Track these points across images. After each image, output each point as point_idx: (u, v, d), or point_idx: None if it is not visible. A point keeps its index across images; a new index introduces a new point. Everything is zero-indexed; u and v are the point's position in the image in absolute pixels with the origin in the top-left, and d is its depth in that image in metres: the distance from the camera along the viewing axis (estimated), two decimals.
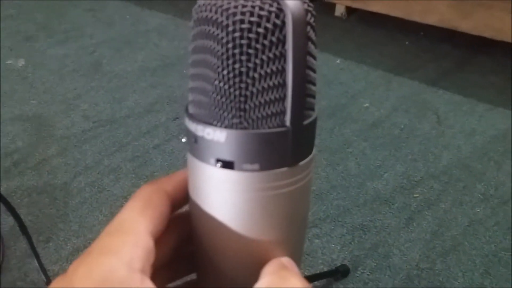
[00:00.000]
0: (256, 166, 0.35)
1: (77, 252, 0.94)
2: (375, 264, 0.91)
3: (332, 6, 1.96)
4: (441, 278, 0.88)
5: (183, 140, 0.37)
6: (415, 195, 1.07)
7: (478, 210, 1.03)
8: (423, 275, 0.89)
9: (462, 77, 1.54)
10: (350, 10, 1.95)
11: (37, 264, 0.83)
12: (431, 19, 1.67)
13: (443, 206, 1.04)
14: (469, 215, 1.02)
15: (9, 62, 1.62)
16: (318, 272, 0.87)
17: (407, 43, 1.76)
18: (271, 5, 0.32)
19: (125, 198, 1.07)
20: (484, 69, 1.58)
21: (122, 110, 1.38)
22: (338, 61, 1.64)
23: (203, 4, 0.37)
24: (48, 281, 0.82)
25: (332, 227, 0.99)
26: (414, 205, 1.04)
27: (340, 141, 1.25)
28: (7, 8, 2.01)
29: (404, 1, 1.70)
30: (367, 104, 1.40)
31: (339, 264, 0.90)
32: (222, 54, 0.33)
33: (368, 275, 0.89)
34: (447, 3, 1.61)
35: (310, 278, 0.85)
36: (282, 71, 0.33)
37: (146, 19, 1.95)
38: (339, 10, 1.97)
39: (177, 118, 1.34)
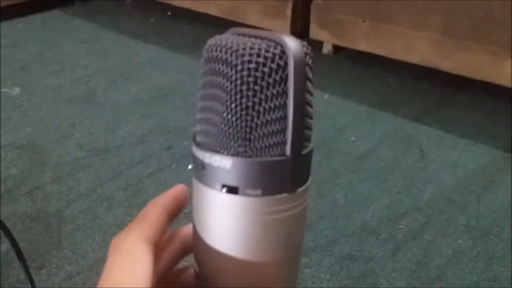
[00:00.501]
0: (258, 191, 0.39)
1: (69, 279, 0.95)
2: None
3: (320, 44, 2.05)
4: None
5: (189, 167, 0.40)
6: (400, 226, 1.11)
7: (461, 242, 1.08)
8: None
9: (443, 113, 1.61)
10: (336, 48, 2.04)
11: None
12: (414, 58, 1.75)
13: (427, 237, 1.08)
14: (452, 246, 1.06)
15: (4, 90, 1.65)
16: None
17: (391, 80, 1.84)
18: (275, 48, 0.37)
19: (118, 226, 1.08)
20: (465, 106, 1.66)
21: (115, 139, 1.41)
22: (325, 96, 1.70)
23: (214, 45, 0.43)
24: None
25: (321, 257, 1.02)
26: (399, 235, 1.08)
27: (328, 173, 1.29)
28: (3, 37, 2.05)
29: (388, 40, 1.79)
30: (353, 138, 1.45)
31: None
32: (231, 89, 0.38)
33: None
34: (429, 43, 1.69)
35: None
36: (284, 106, 0.38)
37: (139, 52, 2.01)
38: (327, 48, 2.05)
39: (170, 147, 1.37)
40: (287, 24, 2.02)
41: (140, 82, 1.75)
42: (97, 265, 0.98)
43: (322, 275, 0.97)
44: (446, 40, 1.66)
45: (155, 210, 0.30)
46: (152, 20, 2.36)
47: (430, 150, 1.41)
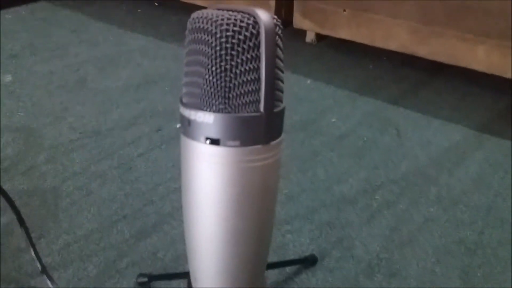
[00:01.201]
0: (237, 142, 0.47)
1: (68, 246, 1.01)
2: (340, 254, 1.02)
3: (303, 33, 2.12)
4: (398, 266, 1.00)
5: (178, 126, 0.45)
6: (376, 197, 1.19)
7: (432, 210, 1.16)
8: (382, 264, 1.00)
9: (420, 96, 1.70)
10: (319, 37, 2.11)
11: (31, 255, 0.90)
12: (392, 45, 1.84)
13: (401, 206, 1.16)
14: (424, 214, 1.15)
15: None
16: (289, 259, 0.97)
17: (371, 66, 1.92)
18: (249, 19, 0.46)
19: (112, 200, 1.15)
20: (440, 90, 1.74)
21: (107, 122, 1.47)
22: (308, 82, 1.78)
23: (197, 17, 0.51)
24: (43, 268, 0.90)
25: (302, 224, 1.09)
26: (375, 205, 1.16)
27: (310, 151, 1.37)
28: None
29: (368, 28, 1.87)
30: (334, 119, 1.53)
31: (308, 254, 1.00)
32: (212, 54, 0.46)
33: (333, 264, 0.99)
34: (406, 31, 1.78)
35: (281, 264, 0.95)
36: (258, 69, 0.46)
37: (128, 41, 2.06)
38: (310, 37, 2.13)
39: (159, 129, 1.44)
40: (271, 13, 2.09)
41: (129, 69, 1.81)
42: (93, 234, 1.04)
43: (303, 239, 1.05)
44: (423, 27, 1.74)
45: None
46: (139, 10, 2.41)
47: (406, 130, 1.49)
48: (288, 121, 1.55)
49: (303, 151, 1.37)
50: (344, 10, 1.91)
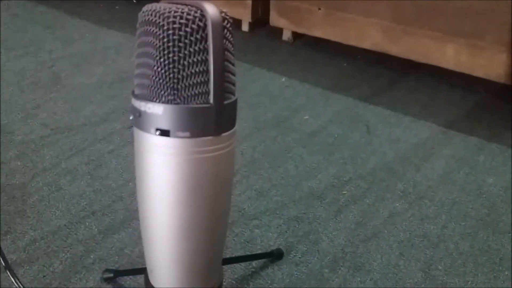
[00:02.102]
0: (187, 133, 0.48)
1: (34, 243, 1.01)
2: (306, 248, 1.03)
3: (280, 31, 2.14)
4: (362, 260, 1.02)
5: (131, 117, 0.46)
6: (343, 192, 1.21)
7: (397, 205, 1.19)
8: (347, 257, 1.02)
9: (391, 94, 1.73)
10: (296, 35, 2.13)
11: None
12: (366, 44, 1.86)
13: (367, 201, 1.19)
14: (390, 208, 1.17)
15: None
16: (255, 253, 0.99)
17: (345, 64, 1.94)
18: (196, 12, 0.47)
19: (81, 196, 1.15)
20: (411, 88, 1.78)
21: (79, 119, 1.46)
22: (283, 80, 1.79)
23: (146, 10, 0.52)
24: (7, 265, 0.90)
25: (271, 219, 1.11)
26: (342, 200, 1.18)
27: (282, 148, 1.39)
28: None
29: (341, 27, 1.90)
30: (307, 117, 1.55)
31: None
32: (160, 46, 0.47)
33: (299, 257, 1.01)
34: (379, 30, 1.81)
35: (248, 258, 0.96)
36: (206, 61, 0.47)
37: (104, 38, 2.05)
38: (286, 35, 2.14)
39: (131, 126, 1.44)
40: (248, 11, 2.11)
41: (104, 66, 1.81)
42: (61, 230, 1.04)
43: (271, 234, 1.07)
44: (395, 26, 1.77)
45: None
46: (117, 7, 2.40)
47: (376, 127, 1.52)
48: (261, 118, 1.56)
49: (275, 147, 1.39)
50: (319, 9, 1.93)
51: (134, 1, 2.47)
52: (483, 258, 1.05)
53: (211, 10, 0.44)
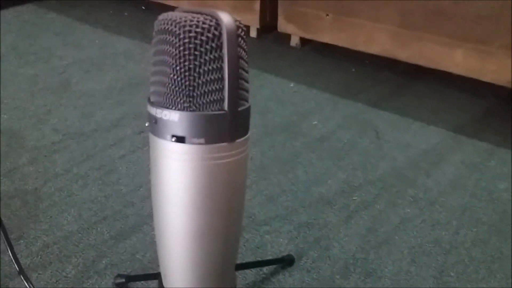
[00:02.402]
0: (202, 140, 0.48)
1: (47, 248, 1.02)
2: (317, 255, 1.03)
3: (288, 37, 2.15)
4: (373, 266, 1.02)
5: (146, 124, 0.47)
6: (354, 198, 1.21)
7: (408, 210, 1.18)
8: (358, 263, 1.02)
9: (400, 99, 1.73)
10: (304, 41, 2.14)
11: (9, 256, 0.91)
12: (374, 49, 1.86)
13: (378, 207, 1.19)
14: (400, 214, 1.17)
15: None
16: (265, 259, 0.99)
17: (353, 70, 1.95)
18: (211, 21, 0.47)
19: (92, 201, 1.16)
20: (419, 93, 1.78)
21: (90, 124, 1.48)
22: (291, 85, 1.80)
23: (162, 19, 0.53)
24: (21, 269, 0.90)
25: (281, 225, 1.11)
26: (352, 206, 1.18)
27: (291, 153, 1.39)
28: None
29: (350, 33, 1.90)
30: (315, 122, 1.56)
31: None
32: (176, 54, 0.47)
33: (310, 264, 1.01)
34: (387, 35, 1.81)
35: (258, 264, 0.97)
36: (221, 68, 0.47)
37: (113, 44, 2.07)
38: (294, 41, 2.15)
39: (142, 132, 1.45)
40: (256, 17, 2.12)
41: (114, 72, 1.82)
42: (73, 235, 1.05)
43: (281, 240, 1.07)
44: (403, 32, 1.77)
45: None
46: (126, 14, 2.42)
47: (385, 132, 1.52)
48: (270, 123, 1.56)
49: (284, 152, 1.39)
50: (327, 15, 1.93)
51: (143, 7, 2.49)
52: (496, 265, 1.04)
53: (226, 19, 0.45)
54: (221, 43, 0.46)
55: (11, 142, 1.37)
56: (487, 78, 1.65)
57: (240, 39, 0.49)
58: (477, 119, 1.63)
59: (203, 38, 0.46)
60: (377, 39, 1.84)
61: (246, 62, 0.51)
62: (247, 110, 0.51)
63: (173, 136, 0.47)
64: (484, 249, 1.08)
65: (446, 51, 1.69)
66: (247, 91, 0.52)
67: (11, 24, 2.22)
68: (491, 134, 1.53)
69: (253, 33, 2.19)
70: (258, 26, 2.15)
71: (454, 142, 1.49)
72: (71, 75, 1.78)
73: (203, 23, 0.46)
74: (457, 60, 1.68)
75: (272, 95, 1.72)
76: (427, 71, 1.79)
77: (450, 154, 1.42)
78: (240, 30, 0.49)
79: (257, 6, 2.09)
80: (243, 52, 0.50)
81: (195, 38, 0.45)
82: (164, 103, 0.48)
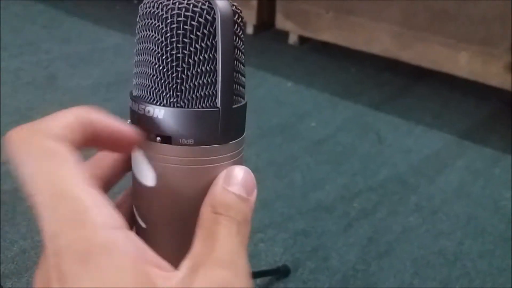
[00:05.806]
0: (191, 141, 0.40)
1: (23, 253, 0.94)
2: (314, 265, 0.96)
3: (286, 34, 2.08)
4: (374, 279, 0.95)
5: (128, 122, 0.41)
6: (353, 205, 1.14)
7: (411, 219, 1.12)
8: (358, 275, 0.95)
9: (402, 102, 1.66)
10: (302, 39, 2.07)
11: None
12: (375, 49, 1.80)
13: (379, 215, 1.12)
14: (403, 223, 1.10)
15: None
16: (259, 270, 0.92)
17: (353, 70, 1.88)
18: (203, 4, 0.39)
19: None
20: (422, 96, 1.71)
21: None
22: (289, 84, 1.73)
23: (148, 2, 0.45)
24: None
25: (276, 232, 1.04)
26: (352, 213, 1.11)
27: (287, 156, 1.32)
28: None
29: (350, 31, 1.83)
30: (314, 124, 1.49)
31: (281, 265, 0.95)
32: (162, 42, 0.39)
33: (307, 275, 0.94)
34: (389, 35, 1.74)
35: (252, 275, 0.89)
36: (213, 59, 0.40)
37: (103, 38, 1.99)
38: (292, 39, 2.08)
39: None
40: (252, 13, 2.04)
41: (102, 67, 1.74)
42: None
43: (276, 249, 1.00)
44: (406, 32, 1.71)
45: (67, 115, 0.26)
46: (118, 7, 2.34)
47: (387, 136, 1.45)
48: (266, 124, 1.48)
49: (281, 155, 1.32)
50: (327, 12, 1.87)
51: (135, 1, 2.41)
52: (502, 278, 0.98)
53: (220, 2, 0.36)
54: (215, 30, 0.37)
55: None
56: (491, 81, 1.59)
57: (236, 26, 0.40)
58: (481, 124, 1.57)
59: (194, 23, 0.37)
60: (378, 39, 1.77)
61: (243, 54, 0.43)
62: (243, 108, 0.42)
63: (157, 135, 0.38)
64: (490, 261, 1.01)
65: (450, 53, 1.63)
66: (243, 86, 0.43)
67: None
68: (495, 139, 1.47)
69: (249, 30, 2.12)
70: (255, 23, 2.07)
71: (458, 148, 1.42)
72: (56, 69, 1.70)
73: (194, 6, 0.37)
74: (461, 63, 1.62)
75: (268, 94, 1.65)
76: (429, 73, 1.73)
77: (453, 159, 1.36)
78: (237, 16, 0.40)
79: (254, 1, 2.02)
80: (240, 41, 0.41)
81: (185, 23, 0.37)
82: (148, 98, 0.40)
